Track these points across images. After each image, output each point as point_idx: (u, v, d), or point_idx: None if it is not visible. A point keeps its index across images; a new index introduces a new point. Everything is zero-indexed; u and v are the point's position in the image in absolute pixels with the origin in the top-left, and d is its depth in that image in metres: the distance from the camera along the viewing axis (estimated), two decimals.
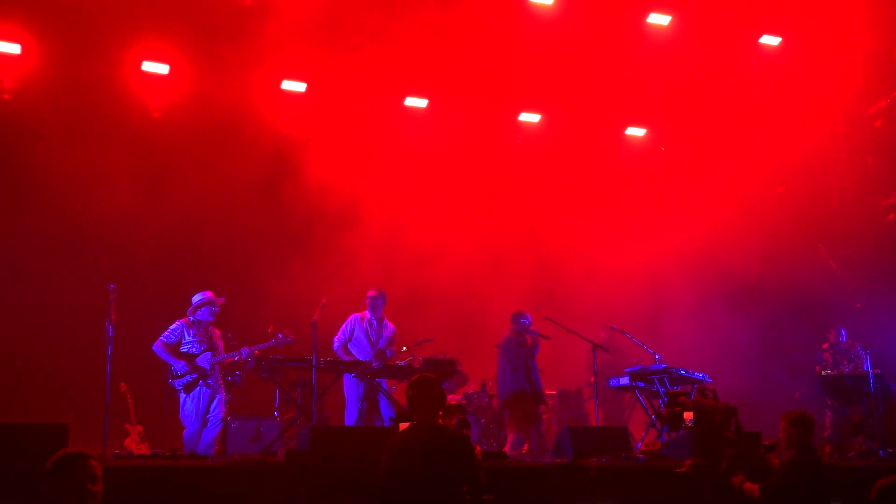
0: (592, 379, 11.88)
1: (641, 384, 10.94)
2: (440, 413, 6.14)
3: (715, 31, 14.02)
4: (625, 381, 10.99)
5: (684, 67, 14.18)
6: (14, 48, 12.11)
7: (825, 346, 12.73)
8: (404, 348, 10.91)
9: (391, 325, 11.07)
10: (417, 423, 6.01)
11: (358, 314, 11.04)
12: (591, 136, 15.57)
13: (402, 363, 10.53)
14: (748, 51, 14.53)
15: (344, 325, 10.97)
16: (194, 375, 9.63)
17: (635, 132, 15.80)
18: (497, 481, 7.92)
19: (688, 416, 8.65)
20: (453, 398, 12.37)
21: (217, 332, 10.08)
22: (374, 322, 10.98)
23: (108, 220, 12.71)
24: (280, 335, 9.92)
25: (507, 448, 10.84)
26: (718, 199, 14.91)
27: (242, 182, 13.21)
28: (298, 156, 13.39)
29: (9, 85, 12.17)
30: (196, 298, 9.98)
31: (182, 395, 9.60)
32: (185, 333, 9.79)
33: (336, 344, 10.83)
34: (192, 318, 9.90)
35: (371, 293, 11.02)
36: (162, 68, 12.85)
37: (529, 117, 15.14)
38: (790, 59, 14.58)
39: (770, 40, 14.44)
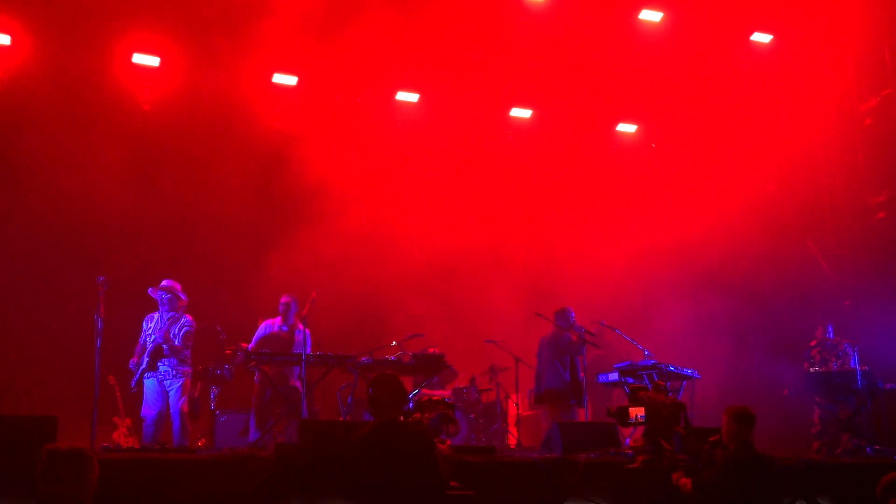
0: (582, 374, 11.90)
1: (630, 380, 10.97)
2: (402, 409, 6.09)
3: (707, 28, 14.04)
4: (614, 376, 11.01)
5: (676, 64, 14.20)
6: (4, 39, 12.05)
7: (812, 343, 12.77)
8: (393, 343, 10.92)
9: (305, 331, 10.68)
10: (379, 421, 5.96)
11: (269, 321, 11.01)
12: (582, 131, 15.58)
13: (392, 357, 10.54)
14: (739, 48, 14.55)
15: (256, 333, 10.94)
16: (139, 370, 9.66)
17: (626, 128, 15.82)
18: (487, 477, 7.95)
19: (634, 411, 8.70)
20: (441, 394, 12.41)
21: (188, 318, 9.98)
22: (285, 328, 10.93)
23: (97, 212, 12.65)
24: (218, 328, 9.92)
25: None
26: (708, 195, 14.94)
27: (233, 175, 13.19)
28: (289, 149, 13.37)
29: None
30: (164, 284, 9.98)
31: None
32: (146, 325, 9.79)
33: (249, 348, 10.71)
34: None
35: (283, 300, 10.92)
36: (153, 60, 12.80)
37: (521, 112, 15.14)
38: (781, 56, 14.61)
39: (761, 38, 14.47)
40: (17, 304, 12.11)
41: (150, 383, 9.63)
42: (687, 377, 11.05)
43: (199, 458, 7.70)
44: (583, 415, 11.62)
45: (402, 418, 6.11)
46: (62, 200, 12.54)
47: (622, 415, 8.74)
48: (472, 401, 12.39)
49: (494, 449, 9.18)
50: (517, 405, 12.27)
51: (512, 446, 11.73)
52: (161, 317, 9.87)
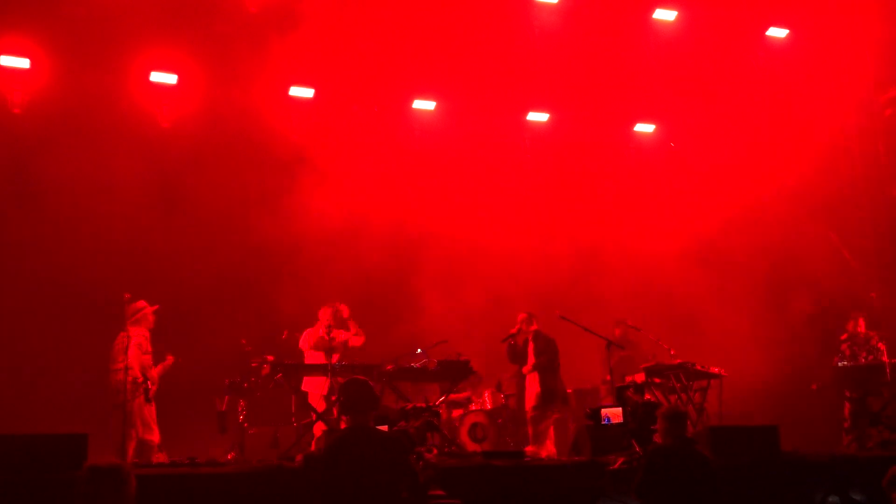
0: (608, 377, 11.87)
1: (657, 380, 10.93)
2: (372, 414, 6.02)
3: (721, 25, 14.01)
4: (640, 377, 10.97)
5: (692, 62, 14.15)
6: (23, 62, 12.17)
7: (843, 336, 12.65)
8: (419, 350, 10.94)
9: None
10: (350, 427, 5.93)
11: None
12: (600, 133, 15.52)
13: (418, 365, 10.56)
14: (756, 44, 14.48)
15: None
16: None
17: (644, 128, 15.75)
18: (516, 480, 7.96)
19: (605, 413, 8.68)
20: (460, 397, 12.42)
21: None
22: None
23: (120, 231, 12.74)
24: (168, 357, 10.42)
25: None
26: (729, 192, 14.87)
27: (253, 189, 13.26)
28: (308, 161, 13.42)
29: (19, 99, 12.21)
30: (141, 306, 10.10)
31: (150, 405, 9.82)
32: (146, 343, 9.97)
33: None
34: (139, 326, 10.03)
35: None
36: (170, 78, 12.90)
37: (537, 116, 15.11)
38: (798, 50, 14.53)
39: (777, 32, 14.39)
40: (43, 323, 12.21)
41: None
42: (714, 375, 11.00)
43: (229, 472, 7.74)
44: None
45: (372, 423, 6.02)
46: (84, 220, 12.63)
47: (596, 416, 8.74)
48: (499, 406, 12.36)
49: (523, 453, 9.18)
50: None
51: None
52: None
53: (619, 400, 9.17)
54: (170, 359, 10.50)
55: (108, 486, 4.83)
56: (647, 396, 9.69)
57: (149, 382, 9.91)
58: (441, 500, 6.71)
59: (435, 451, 7.72)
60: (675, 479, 6.74)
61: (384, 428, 7.33)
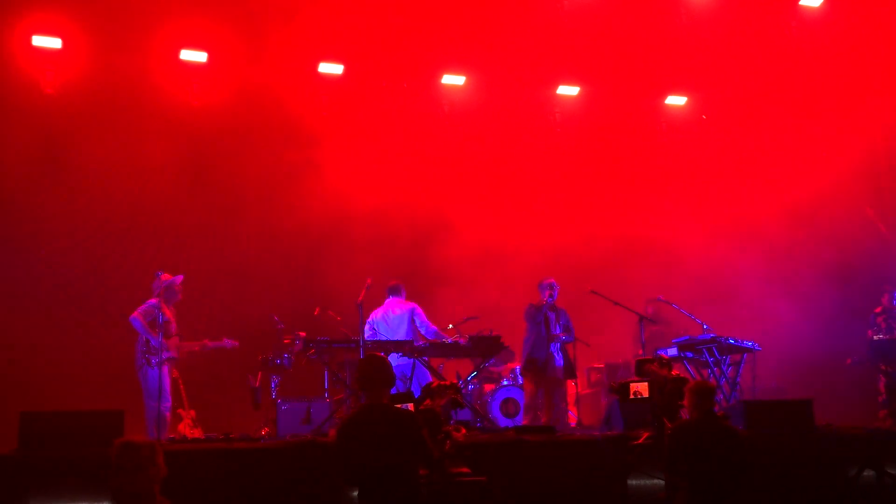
0: (640, 351, 11.83)
1: (690, 354, 10.89)
2: (387, 391, 6.01)
3: None
4: (673, 351, 10.93)
5: (723, 33, 13.95)
6: (56, 42, 12.25)
7: (878, 309, 12.51)
8: (450, 326, 10.96)
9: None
10: (365, 404, 5.94)
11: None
12: (631, 106, 15.38)
13: (449, 340, 10.58)
14: (788, 14, 14.22)
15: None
16: (167, 355, 9.79)
17: (675, 100, 15.59)
18: (548, 456, 7.98)
19: (634, 388, 8.60)
20: (496, 371, 12.42)
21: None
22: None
23: (152, 209, 12.87)
24: (227, 341, 10.40)
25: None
26: (762, 164, 14.71)
27: (284, 167, 13.29)
28: (338, 139, 13.43)
29: (52, 79, 12.30)
30: (166, 279, 10.03)
31: (154, 371, 9.67)
32: (159, 314, 9.87)
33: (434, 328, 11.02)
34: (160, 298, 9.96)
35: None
36: (200, 56, 12.92)
37: (568, 90, 14.99)
38: (832, 19, 14.24)
39: (810, 1, 14.13)
40: (78, 300, 12.37)
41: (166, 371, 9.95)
42: (747, 349, 10.92)
43: (263, 447, 7.83)
44: None
45: (386, 400, 6.02)
46: (116, 199, 12.76)
47: (623, 391, 8.67)
48: None
49: (554, 429, 9.19)
50: (576, 384, 12.23)
51: (572, 425, 11.71)
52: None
53: (639, 373, 9.11)
54: (227, 342, 10.56)
55: (139, 461, 4.94)
56: (675, 371, 9.63)
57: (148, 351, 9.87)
58: (465, 478, 6.69)
59: (463, 430, 7.73)
60: (700, 455, 6.73)
61: (410, 406, 7.35)
